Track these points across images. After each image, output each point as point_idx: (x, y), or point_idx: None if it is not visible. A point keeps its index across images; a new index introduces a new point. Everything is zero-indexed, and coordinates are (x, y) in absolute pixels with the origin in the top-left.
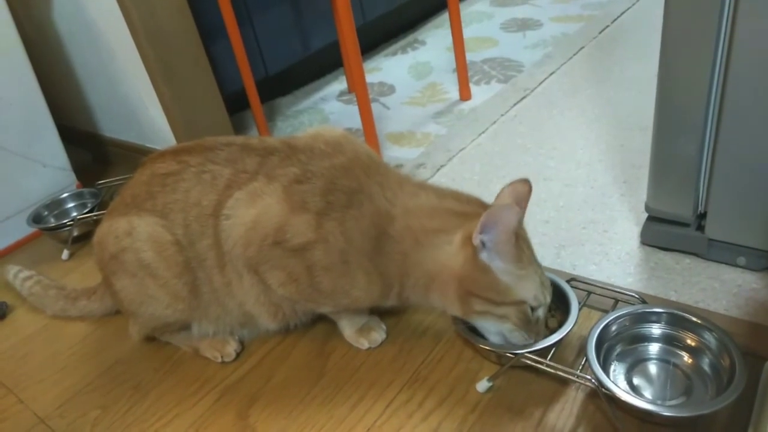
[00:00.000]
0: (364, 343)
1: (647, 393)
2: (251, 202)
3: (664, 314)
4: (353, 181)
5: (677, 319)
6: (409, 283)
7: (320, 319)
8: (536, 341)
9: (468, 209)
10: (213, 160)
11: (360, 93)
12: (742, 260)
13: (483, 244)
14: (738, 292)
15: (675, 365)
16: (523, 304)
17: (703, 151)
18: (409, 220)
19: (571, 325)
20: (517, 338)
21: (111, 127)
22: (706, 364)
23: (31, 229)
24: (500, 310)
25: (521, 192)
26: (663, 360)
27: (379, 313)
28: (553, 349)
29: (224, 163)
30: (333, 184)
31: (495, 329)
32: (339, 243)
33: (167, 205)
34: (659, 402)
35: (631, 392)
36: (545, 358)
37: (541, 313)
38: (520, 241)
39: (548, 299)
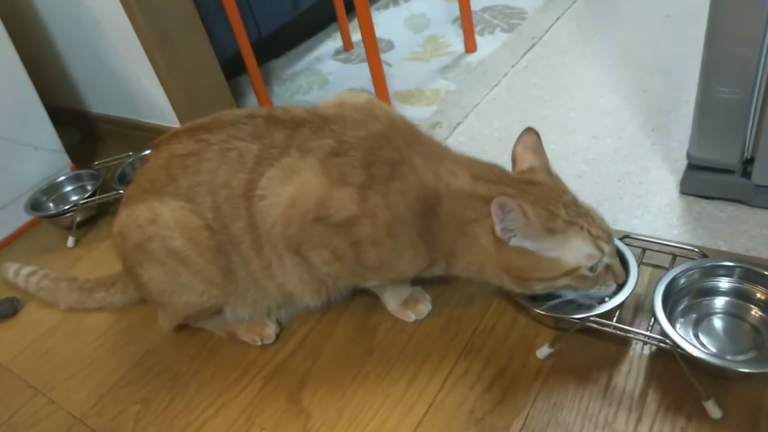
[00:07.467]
0: (410, 316)
1: (714, 348)
2: (287, 178)
3: (736, 268)
4: (394, 152)
5: (748, 273)
6: (459, 265)
7: (360, 292)
8: (619, 282)
9: (495, 192)
10: (237, 135)
11: (370, 50)
12: None
13: (507, 230)
14: None
15: (743, 319)
16: (577, 269)
17: (754, 94)
18: (452, 204)
19: (634, 284)
20: (597, 292)
21: (99, 103)
22: None
23: (28, 217)
24: (559, 282)
25: (531, 143)
26: (730, 314)
27: (422, 283)
28: (618, 310)
29: (250, 139)
30: (373, 156)
31: (570, 293)
32: (385, 217)
33: (192, 188)
34: (730, 358)
35: (704, 350)
36: (610, 320)
37: (606, 260)
38: (549, 205)
39: (608, 247)
